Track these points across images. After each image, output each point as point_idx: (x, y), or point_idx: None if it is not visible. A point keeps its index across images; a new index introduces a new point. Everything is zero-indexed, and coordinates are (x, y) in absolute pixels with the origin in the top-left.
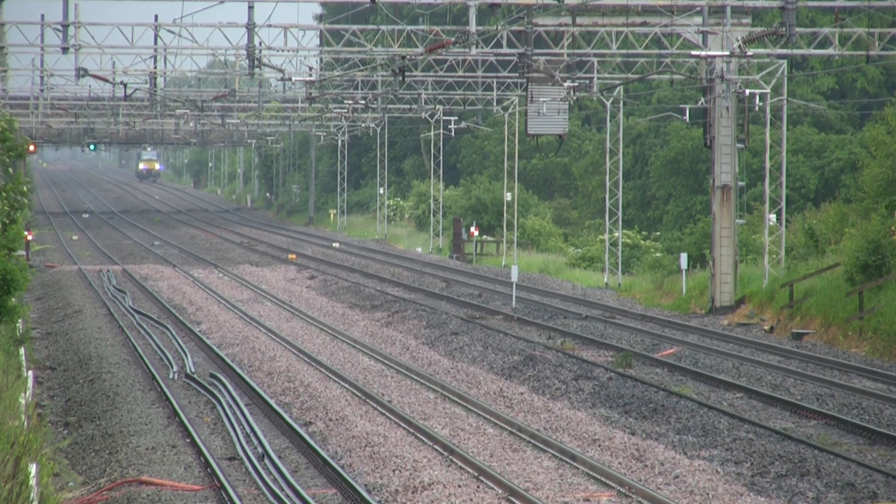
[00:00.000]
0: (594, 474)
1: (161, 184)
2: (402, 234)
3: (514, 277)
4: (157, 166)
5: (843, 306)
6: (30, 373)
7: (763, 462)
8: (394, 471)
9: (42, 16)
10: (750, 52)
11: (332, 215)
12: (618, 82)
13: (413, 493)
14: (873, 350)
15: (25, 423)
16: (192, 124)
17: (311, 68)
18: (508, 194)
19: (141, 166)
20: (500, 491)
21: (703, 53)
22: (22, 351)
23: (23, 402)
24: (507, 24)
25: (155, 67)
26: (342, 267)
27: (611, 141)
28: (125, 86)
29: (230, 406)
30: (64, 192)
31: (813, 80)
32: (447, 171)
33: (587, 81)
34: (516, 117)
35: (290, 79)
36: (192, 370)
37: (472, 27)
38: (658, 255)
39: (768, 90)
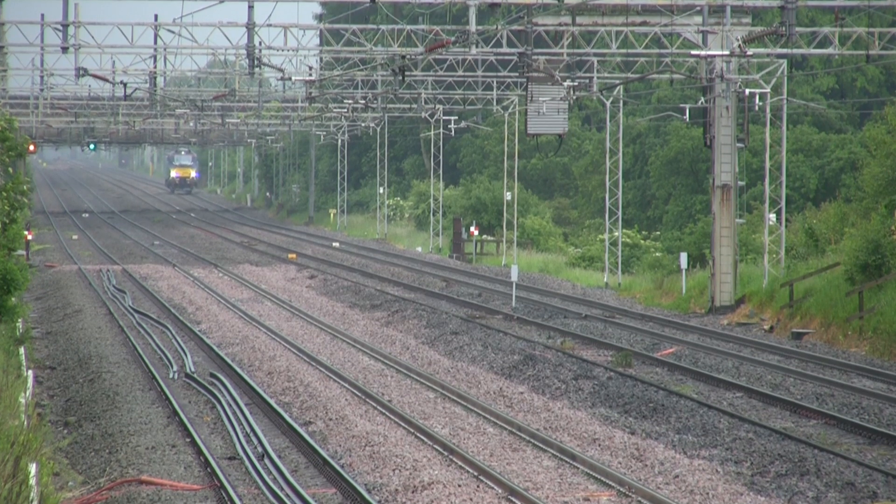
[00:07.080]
0: (594, 474)
1: (159, 183)
2: (402, 234)
3: (514, 277)
4: (194, 174)
5: (843, 306)
6: (30, 372)
7: (763, 461)
8: (394, 470)
9: (42, 15)
10: (750, 52)
11: (332, 215)
12: (618, 82)
13: (413, 492)
14: (873, 350)
15: (25, 423)
16: (191, 124)
17: (310, 68)
18: (508, 194)
19: (173, 174)
20: (499, 490)
21: (703, 53)
22: (22, 350)
23: (23, 401)
24: (507, 24)
25: (155, 67)
26: (342, 266)
27: (611, 140)
28: (125, 85)
29: (230, 405)
30: (64, 191)
31: (813, 80)
32: (447, 171)
33: (587, 81)
34: (516, 117)
35: (289, 78)
36: (192, 370)
37: (472, 27)
38: (658, 254)
39: (768, 90)
